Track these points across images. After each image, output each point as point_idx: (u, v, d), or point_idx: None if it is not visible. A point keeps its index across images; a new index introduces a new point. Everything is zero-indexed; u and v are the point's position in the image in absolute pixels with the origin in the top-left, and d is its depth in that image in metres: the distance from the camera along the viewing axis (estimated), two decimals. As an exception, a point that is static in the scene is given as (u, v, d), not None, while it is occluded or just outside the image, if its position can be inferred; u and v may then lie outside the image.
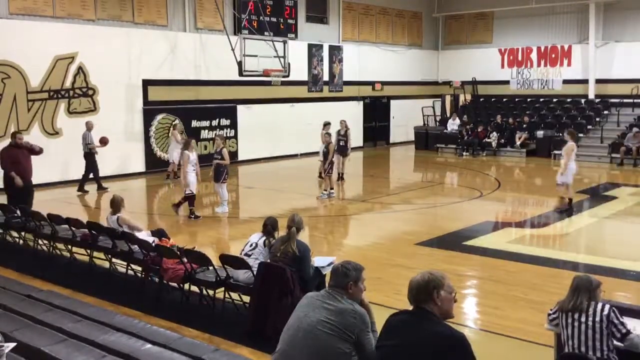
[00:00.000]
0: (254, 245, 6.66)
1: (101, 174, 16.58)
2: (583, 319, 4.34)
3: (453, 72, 27.23)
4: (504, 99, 25.95)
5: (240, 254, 6.68)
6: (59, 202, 13.99)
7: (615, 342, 4.32)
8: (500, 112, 24.34)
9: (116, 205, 8.20)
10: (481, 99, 26.58)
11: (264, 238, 6.65)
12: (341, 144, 15.68)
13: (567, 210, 12.38)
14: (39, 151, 11.03)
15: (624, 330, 4.28)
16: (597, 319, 4.30)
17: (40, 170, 14.63)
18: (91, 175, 15.21)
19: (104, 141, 15.01)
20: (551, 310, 4.76)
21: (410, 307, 3.58)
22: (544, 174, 19.17)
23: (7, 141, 15.03)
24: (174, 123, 18.06)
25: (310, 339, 3.70)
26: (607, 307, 4.36)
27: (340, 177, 15.95)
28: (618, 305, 4.73)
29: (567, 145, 12.62)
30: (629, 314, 4.66)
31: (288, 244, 6.21)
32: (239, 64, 17.36)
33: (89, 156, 15.04)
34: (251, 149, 20.75)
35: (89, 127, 15.17)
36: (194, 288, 6.92)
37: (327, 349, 3.66)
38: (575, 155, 12.61)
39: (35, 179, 14.87)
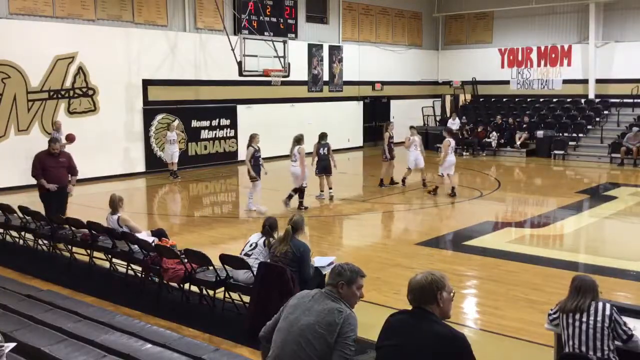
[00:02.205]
0: (254, 245, 6.66)
1: (102, 174, 16.60)
2: (584, 319, 4.34)
3: (453, 72, 27.22)
4: (504, 99, 25.96)
5: (240, 254, 6.68)
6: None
7: (616, 342, 4.32)
8: (500, 112, 24.35)
9: (115, 204, 8.20)
10: (481, 99, 26.59)
11: (263, 238, 6.65)
12: (393, 147, 15.53)
13: (433, 191, 14.33)
14: (75, 175, 10.53)
15: (629, 333, 4.30)
16: (599, 318, 4.30)
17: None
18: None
19: (70, 138, 14.68)
20: (551, 310, 4.75)
21: (410, 307, 3.57)
22: (544, 174, 19.18)
23: (5, 142, 15.21)
24: (172, 122, 18.06)
25: (301, 343, 3.63)
26: (608, 306, 4.36)
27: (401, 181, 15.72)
28: (618, 305, 4.73)
29: (444, 141, 14.28)
30: (629, 314, 4.66)
31: (285, 242, 6.22)
32: (239, 64, 17.36)
33: None
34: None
35: (57, 126, 15.04)
36: (194, 288, 6.92)
37: (319, 354, 3.59)
38: (453, 149, 14.38)
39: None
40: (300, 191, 12.82)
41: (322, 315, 3.65)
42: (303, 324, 3.67)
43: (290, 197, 12.90)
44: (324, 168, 13.75)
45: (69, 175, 10.28)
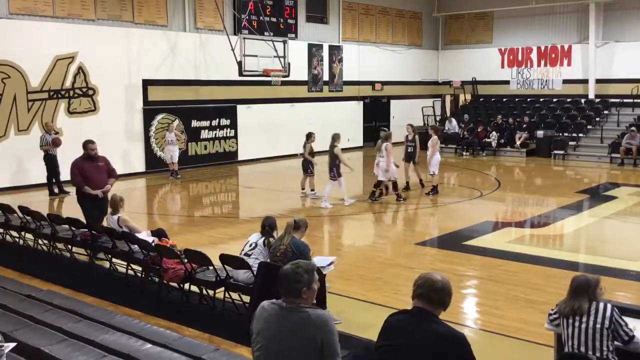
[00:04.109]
0: (253, 245, 6.66)
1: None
2: (584, 319, 4.33)
3: (453, 72, 27.23)
4: (504, 99, 25.96)
5: (240, 254, 6.68)
6: (60, 202, 14.02)
7: (616, 343, 4.32)
8: (500, 112, 24.35)
9: (115, 205, 8.20)
10: (481, 99, 26.59)
11: (263, 238, 6.65)
12: (409, 150, 15.11)
13: (432, 190, 14.40)
14: (114, 177, 9.64)
15: (631, 334, 4.29)
16: (599, 319, 4.29)
17: (42, 170, 14.69)
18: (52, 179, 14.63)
19: (55, 142, 14.48)
20: (552, 310, 4.75)
21: (409, 306, 3.56)
22: (544, 174, 19.18)
23: (5, 142, 15.20)
24: (172, 123, 18.07)
25: None
26: (609, 306, 4.35)
27: (406, 187, 15.09)
28: (618, 305, 4.72)
29: (432, 139, 14.45)
30: (629, 314, 4.66)
31: (286, 236, 6.23)
32: (239, 64, 17.36)
33: (46, 158, 14.57)
34: (251, 149, 20.76)
35: (48, 129, 14.99)
36: (194, 288, 6.92)
37: None
38: (440, 147, 14.79)
39: (38, 179, 15.03)
40: (393, 185, 13.61)
41: (295, 334, 3.41)
42: (279, 353, 3.45)
43: (380, 193, 13.63)
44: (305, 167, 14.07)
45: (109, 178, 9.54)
